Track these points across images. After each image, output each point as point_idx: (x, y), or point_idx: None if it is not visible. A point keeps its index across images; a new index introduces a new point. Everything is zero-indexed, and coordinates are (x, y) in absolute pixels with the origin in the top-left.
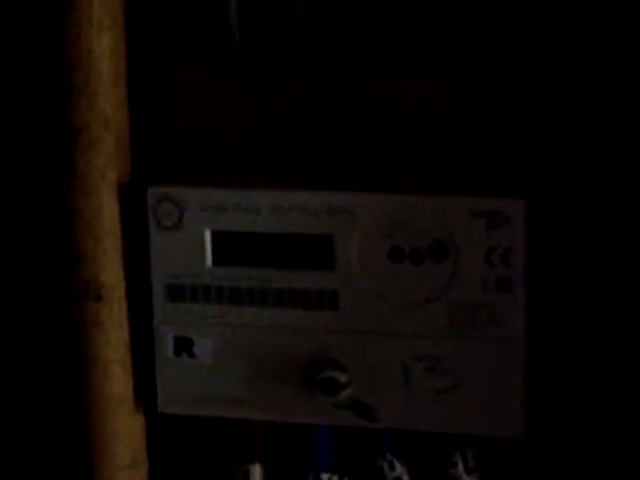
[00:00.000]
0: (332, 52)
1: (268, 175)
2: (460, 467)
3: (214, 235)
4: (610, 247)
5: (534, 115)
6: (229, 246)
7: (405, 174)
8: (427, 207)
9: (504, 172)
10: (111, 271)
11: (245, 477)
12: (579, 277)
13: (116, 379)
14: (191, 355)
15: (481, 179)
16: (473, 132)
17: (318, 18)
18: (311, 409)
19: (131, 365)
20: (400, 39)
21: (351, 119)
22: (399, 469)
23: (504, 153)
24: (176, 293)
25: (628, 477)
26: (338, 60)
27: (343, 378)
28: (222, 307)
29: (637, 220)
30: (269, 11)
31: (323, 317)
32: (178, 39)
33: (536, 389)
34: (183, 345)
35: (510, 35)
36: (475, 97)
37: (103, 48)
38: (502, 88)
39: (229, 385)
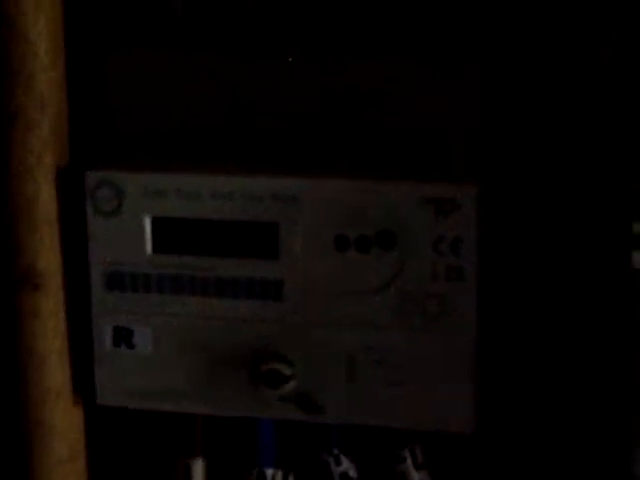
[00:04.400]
0: (278, 35)
1: (211, 160)
2: (409, 462)
3: (154, 221)
4: (561, 234)
5: (487, 101)
6: (170, 233)
7: (353, 160)
8: (375, 193)
9: (455, 158)
10: (48, 259)
11: (187, 472)
12: (531, 266)
13: (53, 370)
14: (130, 346)
15: (431, 165)
16: (425, 116)
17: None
18: (255, 402)
19: (69, 356)
20: (352, 22)
21: (299, 103)
22: (346, 464)
23: (455, 139)
24: (115, 282)
25: (577, 471)
26: (285, 43)
27: (288, 370)
28: (163, 296)
29: (587, 207)
30: None
31: (267, 307)
32: (119, 19)
33: (487, 383)
34: (122, 336)
35: (465, 17)
36: (428, 80)
37: (39, 29)
38: (456, 72)
39: (170, 377)
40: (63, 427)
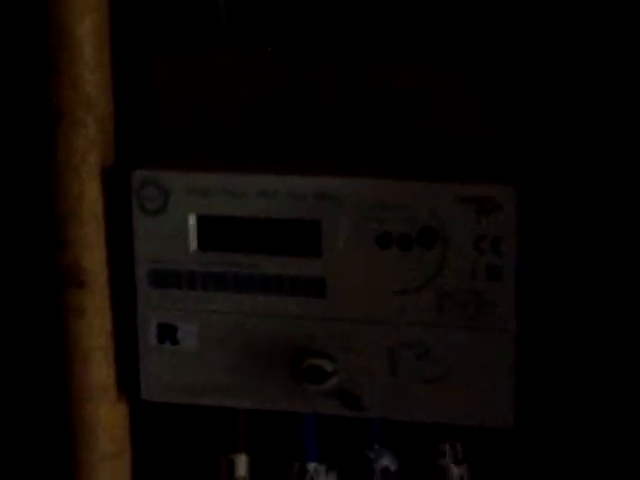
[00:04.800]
0: (320, 36)
1: (255, 159)
2: (449, 457)
3: (199, 219)
4: (601, 234)
5: (527, 101)
6: (214, 231)
7: (395, 159)
8: (416, 192)
9: (495, 158)
10: (94, 257)
11: (230, 467)
12: (570, 265)
13: (99, 367)
14: (175, 342)
15: (472, 164)
16: (465, 117)
17: (308, 2)
18: (297, 398)
19: (114, 352)
20: (389, 25)
21: (339, 104)
22: (387, 459)
23: (496, 139)
24: (160, 279)
25: (617, 466)
26: (325, 44)
27: (330, 366)
28: (207, 293)
29: (628, 207)
30: None
31: (310, 304)
32: (164, 20)
33: (526, 378)
34: (167, 332)
35: (504, 22)
36: (467, 82)
37: (86, 30)
38: (496, 74)
39: (214, 373)
40: (108, 423)
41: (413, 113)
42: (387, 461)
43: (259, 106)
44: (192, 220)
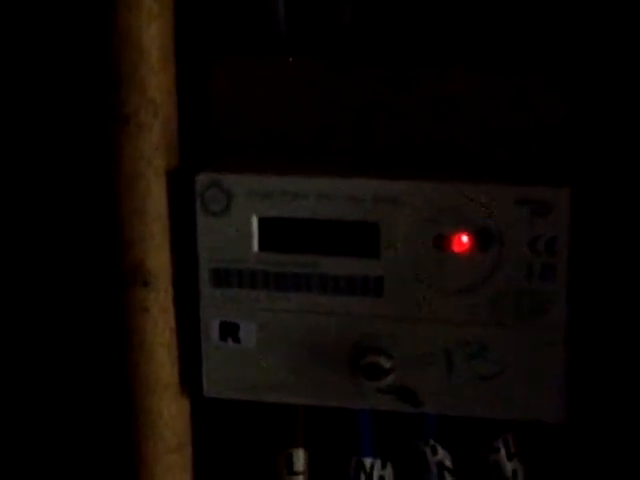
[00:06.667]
0: (377, 44)
1: (314, 162)
2: (502, 452)
3: (261, 221)
4: None
5: (579, 104)
6: (275, 232)
7: (450, 163)
8: (472, 195)
9: (548, 160)
10: (158, 257)
11: (289, 461)
12: (622, 265)
13: (162, 364)
14: (236, 340)
15: (526, 167)
16: (517, 121)
17: (363, 10)
18: (355, 394)
19: (177, 350)
20: (442, 34)
21: (396, 109)
22: (441, 454)
23: (548, 141)
24: (222, 278)
25: None
26: (382, 52)
27: (387, 363)
28: (268, 293)
29: None
30: (315, 2)
31: (368, 303)
32: (225, 27)
33: (578, 375)
34: (229, 330)
35: (553, 28)
36: (519, 87)
37: (152, 35)
38: (547, 78)
39: (273, 370)
40: (171, 418)
41: (467, 118)
42: (442, 456)
43: (317, 111)
44: (254, 222)
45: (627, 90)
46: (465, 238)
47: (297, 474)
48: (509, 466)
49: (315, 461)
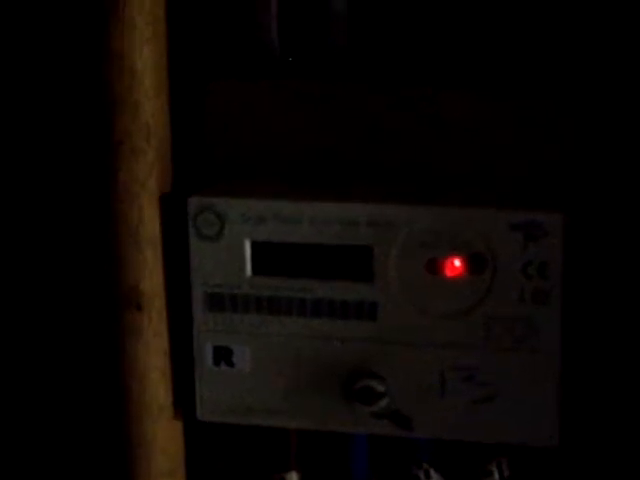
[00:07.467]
0: (371, 66)
1: (307, 186)
2: (496, 476)
3: (254, 245)
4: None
5: (572, 129)
6: (269, 256)
7: (444, 187)
8: (466, 219)
9: (542, 185)
10: (152, 280)
11: None
12: (615, 289)
13: (155, 387)
14: (230, 364)
15: (519, 192)
16: (511, 146)
17: (357, 32)
18: (348, 418)
19: (170, 373)
20: (438, 54)
21: (390, 132)
22: (435, 478)
23: (541, 166)
24: (216, 302)
25: None
26: (377, 74)
27: (380, 387)
28: (261, 317)
29: None
30: (309, 24)
31: (361, 327)
32: (218, 50)
33: (571, 398)
34: (222, 354)
35: (546, 53)
36: (512, 112)
37: (145, 59)
38: (541, 103)
39: (267, 394)
40: (164, 441)
41: (461, 141)
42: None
43: (311, 134)
44: (247, 246)
45: (621, 116)
46: (458, 262)
47: None
48: None
49: None
